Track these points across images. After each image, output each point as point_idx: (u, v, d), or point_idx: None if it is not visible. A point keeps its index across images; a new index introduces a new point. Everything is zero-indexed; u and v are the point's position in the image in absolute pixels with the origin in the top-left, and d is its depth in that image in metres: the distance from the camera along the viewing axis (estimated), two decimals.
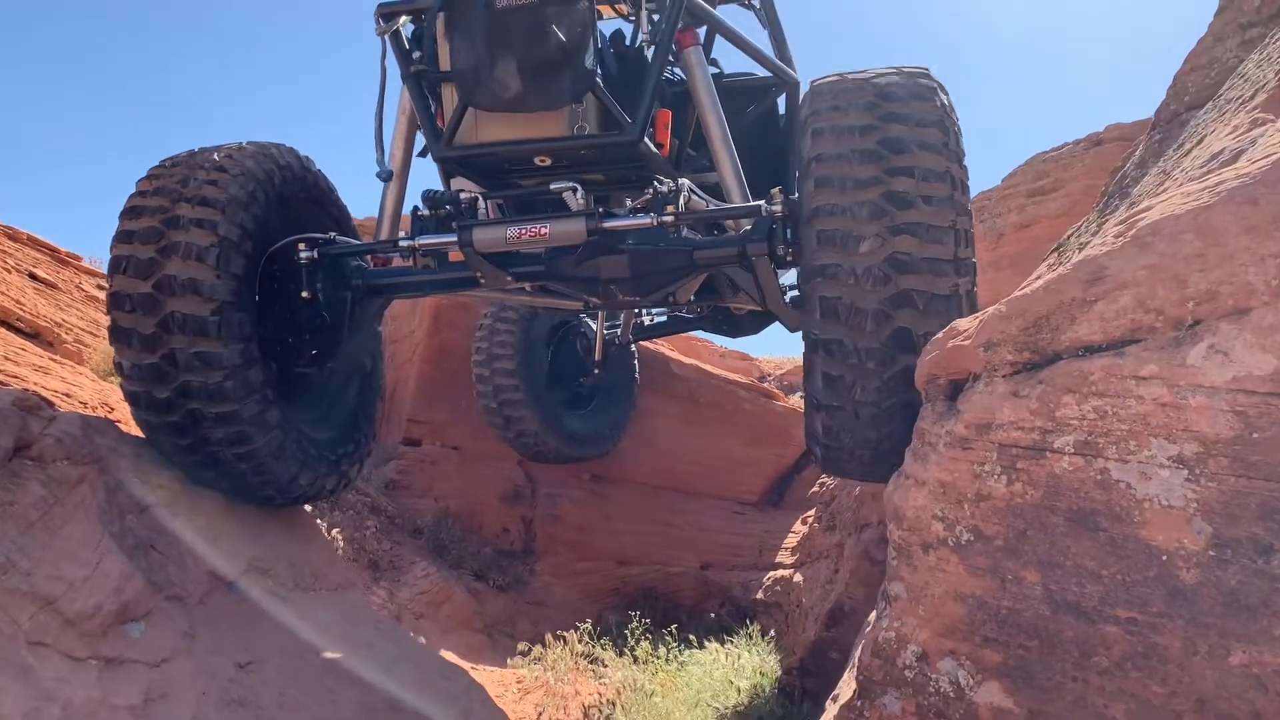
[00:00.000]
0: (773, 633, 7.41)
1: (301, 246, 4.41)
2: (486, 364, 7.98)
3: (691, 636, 7.44)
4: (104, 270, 14.25)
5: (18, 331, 7.05)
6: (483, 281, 4.54)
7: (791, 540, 8.79)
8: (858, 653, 4.27)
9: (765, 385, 10.77)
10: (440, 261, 4.54)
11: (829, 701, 4.20)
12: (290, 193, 4.50)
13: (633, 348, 9.15)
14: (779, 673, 6.22)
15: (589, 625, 7.21)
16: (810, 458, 10.12)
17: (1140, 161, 4.61)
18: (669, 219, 4.11)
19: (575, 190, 4.23)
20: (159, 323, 3.85)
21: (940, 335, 2.78)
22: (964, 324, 2.70)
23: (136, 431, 4.02)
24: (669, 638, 7.39)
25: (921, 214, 3.42)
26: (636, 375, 9.26)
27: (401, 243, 4.36)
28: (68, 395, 4.22)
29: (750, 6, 5.70)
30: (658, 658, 7.01)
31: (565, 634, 6.94)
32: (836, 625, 5.50)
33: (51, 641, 2.42)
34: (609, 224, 4.19)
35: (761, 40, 5.38)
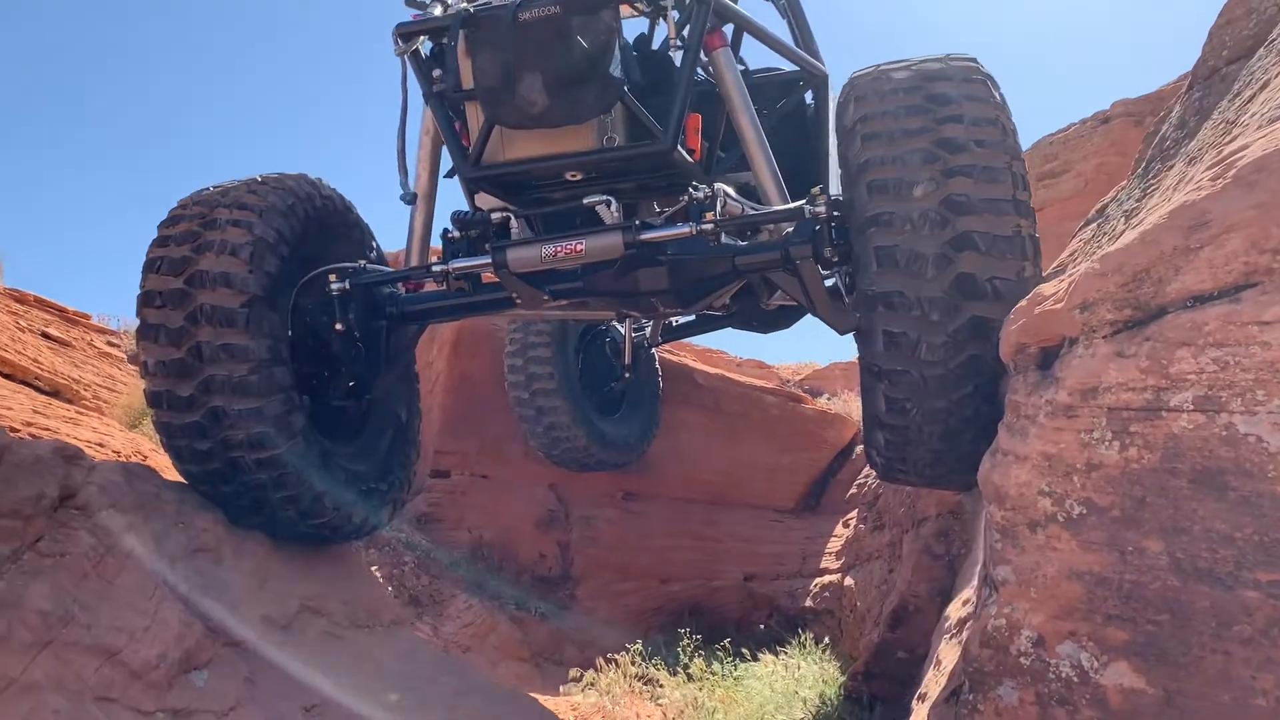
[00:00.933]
0: (827, 640, 7.25)
1: (333, 278, 4.31)
2: (520, 354, 7.80)
3: (745, 650, 7.27)
4: (113, 327, 14.18)
5: (37, 389, 6.96)
6: (519, 302, 4.41)
7: (835, 544, 8.65)
8: (939, 648, 4.12)
9: (789, 389, 10.62)
10: (474, 284, 4.43)
11: (915, 702, 4.05)
12: (328, 223, 4.45)
13: (653, 352, 9.01)
14: (842, 680, 6.05)
15: (639, 646, 7.06)
16: (846, 459, 9.99)
17: (1180, 122, 4.47)
18: (708, 227, 3.98)
19: (609, 203, 4.12)
20: (187, 316, 3.76)
21: (1024, 303, 2.65)
22: (1049, 288, 2.56)
23: (176, 477, 3.90)
24: (721, 653, 7.23)
25: (975, 156, 3.32)
26: (660, 378, 9.11)
27: (435, 268, 4.27)
28: (100, 445, 4.11)
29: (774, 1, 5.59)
30: (713, 674, 6.84)
31: (616, 657, 6.79)
32: (901, 625, 5.35)
33: (118, 696, 2.28)
34: (646, 236, 4.05)
35: (784, 34, 5.25)
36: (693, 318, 8.28)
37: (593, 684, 6.40)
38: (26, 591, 2.23)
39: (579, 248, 4.06)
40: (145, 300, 3.86)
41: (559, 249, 4.07)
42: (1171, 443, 2.14)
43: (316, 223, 4.34)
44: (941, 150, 3.33)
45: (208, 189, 4.24)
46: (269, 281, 3.95)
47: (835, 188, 4.84)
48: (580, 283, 4.32)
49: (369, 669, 3.72)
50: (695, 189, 4.05)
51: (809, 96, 5.42)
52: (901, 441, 3.62)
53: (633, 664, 6.79)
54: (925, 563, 5.20)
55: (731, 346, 17.10)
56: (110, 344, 12.61)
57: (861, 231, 3.41)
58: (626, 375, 8.52)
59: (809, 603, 8.28)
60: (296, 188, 4.25)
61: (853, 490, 8.90)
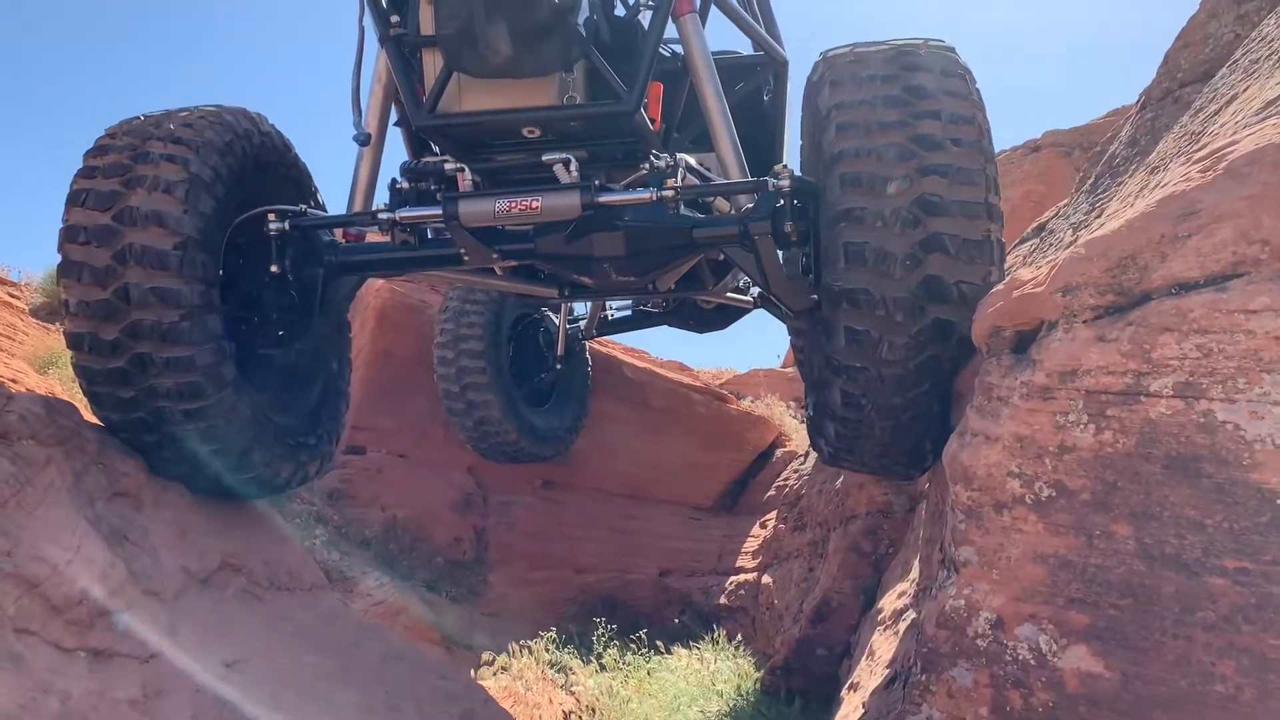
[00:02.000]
0: (740, 637, 7.26)
1: (271, 218, 4.07)
2: (451, 345, 7.58)
3: (659, 644, 7.23)
4: (12, 279, 13.51)
5: None
6: (466, 259, 4.23)
7: (752, 544, 8.68)
8: (872, 639, 4.13)
9: (716, 388, 10.64)
10: (420, 237, 4.24)
11: (845, 692, 4.06)
12: (266, 161, 4.19)
13: (585, 344, 8.90)
14: (757, 675, 6.05)
15: (552, 634, 6.97)
16: (766, 461, 10.04)
17: (1131, 141, 4.59)
18: (669, 194, 3.89)
19: (569, 163, 3.96)
20: (115, 255, 3.50)
21: (1000, 287, 2.65)
22: (1026, 273, 2.57)
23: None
24: (635, 645, 7.18)
25: (951, 156, 3.27)
26: (590, 370, 9.01)
27: (381, 215, 4.07)
28: (14, 381, 3.87)
29: None
30: (626, 665, 6.79)
31: (529, 643, 6.69)
32: (823, 621, 5.36)
33: (38, 629, 2.13)
34: (605, 198, 3.93)
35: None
36: (629, 312, 8.23)
37: (505, 669, 6.29)
38: None
39: (535, 204, 3.93)
40: (68, 235, 3.58)
41: (513, 204, 3.93)
42: (1148, 428, 2.15)
43: (254, 161, 4.09)
44: (918, 147, 3.29)
45: (138, 118, 3.95)
46: (203, 222, 3.70)
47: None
48: (532, 244, 4.17)
49: (289, 630, 3.58)
50: (656, 158, 3.97)
51: (769, 81, 5.41)
52: (852, 434, 3.62)
53: (545, 651, 6.70)
54: (852, 560, 5.22)
55: (653, 348, 17.04)
56: (11, 295, 12.03)
57: (831, 225, 3.36)
58: (558, 367, 8.40)
59: (724, 600, 8.29)
60: (235, 123, 3.99)
61: (772, 492, 8.95)
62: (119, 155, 3.70)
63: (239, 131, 3.99)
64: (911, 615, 3.62)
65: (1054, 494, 2.29)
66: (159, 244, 3.53)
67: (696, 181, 4.22)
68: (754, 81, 5.34)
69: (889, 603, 4.13)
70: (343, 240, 4.43)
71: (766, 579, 7.36)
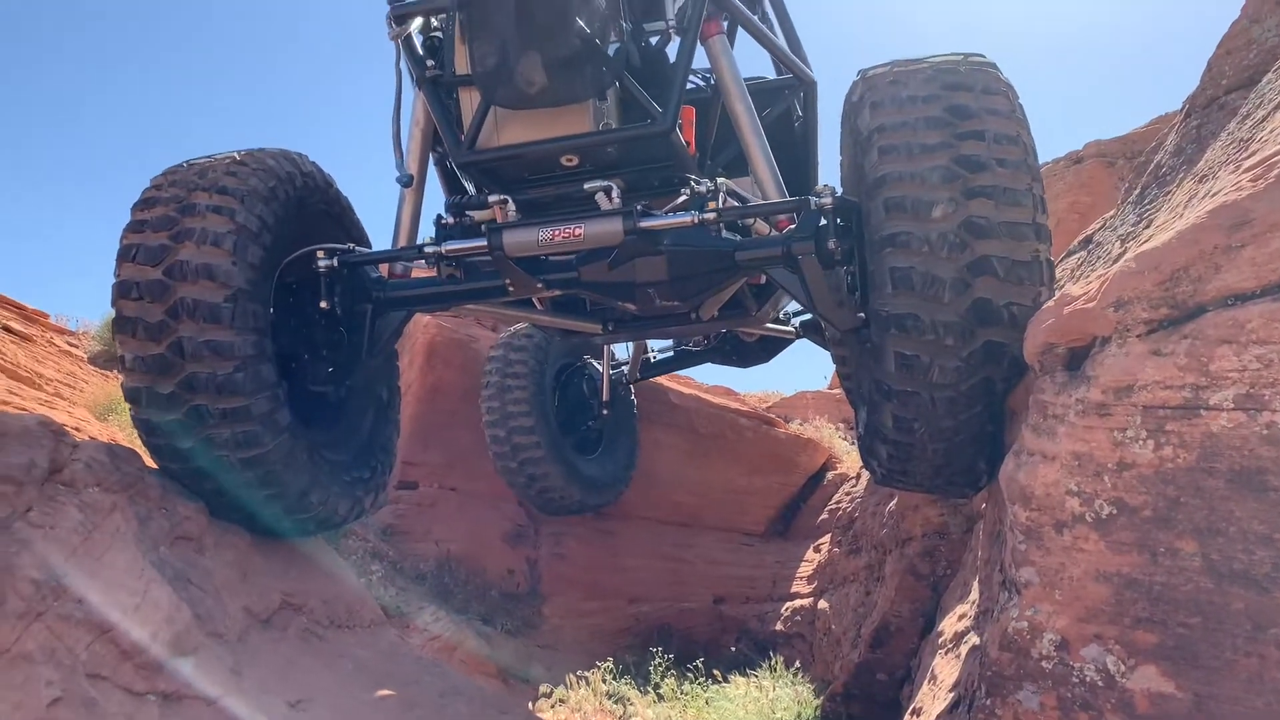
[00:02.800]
0: (798, 664, 7.18)
1: (320, 255, 4.16)
2: (497, 396, 7.61)
3: (715, 672, 7.17)
4: (71, 328, 13.88)
5: None
6: (511, 290, 4.27)
7: (806, 569, 8.59)
8: (934, 663, 4.08)
9: (763, 412, 10.59)
10: (465, 270, 4.29)
11: (908, 716, 4.00)
12: (309, 201, 4.27)
13: (630, 389, 8.91)
14: (817, 702, 5.98)
15: (608, 664, 6.95)
16: (818, 484, 9.97)
17: (1177, 150, 4.52)
18: (710, 216, 3.90)
19: (610, 190, 4.00)
20: (168, 310, 3.56)
21: (1050, 303, 2.63)
22: (1076, 289, 2.54)
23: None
24: (692, 674, 7.13)
25: (997, 176, 3.23)
26: (636, 414, 9.02)
27: (427, 248, 4.14)
28: (77, 429, 3.96)
29: (759, 7, 5.54)
30: (684, 695, 6.74)
31: (586, 674, 6.67)
32: (882, 646, 5.30)
33: (110, 674, 2.17)
34: (646, 223, 3.96)
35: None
36: (671, 353, 8.25)
37: (563, 700, 6.28)
38: (18, 559, 2.12)
39: (578, 231, 3.97)
40: (121, 291, 3.65)
41: (557, 233, 3.98)
42: (1209, 441, 2.12)
43: (298, 202, 4.18)
44: (962, 169, 3.26)
45: (183, 166, 4.03)
46: (253, 272, 3.78)
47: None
48: (575, 272, 4.18)
49: (350, 667, 3.61)
50: (696, 183, 3.98)
51: (796, 104, 5.43)
52: (905, 456, 3.58)
53: (603, 682, 6.68)
54: (909, 583, 5.16)
55: (699, 374, 17.05)
56: (70, 344, 12.33)
57: (877, 249, 3.34)
58: (604, 413, 8.41)
59: (780, 626, 8.22)
60: (277, 167, 4.07)
61: (824, 515, 8.87)
62: (166, 208, 3.78)
63: (281, 175, 4.07)
64: (973, 638, 3.57)
65: (1115, 511, 2.25)
66: (210, 297, 3.60)
67: (736, 204, 4.21)
68: (783, 105, 5.36)
69: (949, 625, 4.08)
70: (389, 277, 4.52)
71: (823, 604, 7.29)
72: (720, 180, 4.09)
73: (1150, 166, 4.79)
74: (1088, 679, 2.28)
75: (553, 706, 6.20)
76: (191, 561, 3.26)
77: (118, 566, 2.58)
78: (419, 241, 4.44)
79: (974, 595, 3.88)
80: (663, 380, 9.85)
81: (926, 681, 3.94)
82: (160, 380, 3.56)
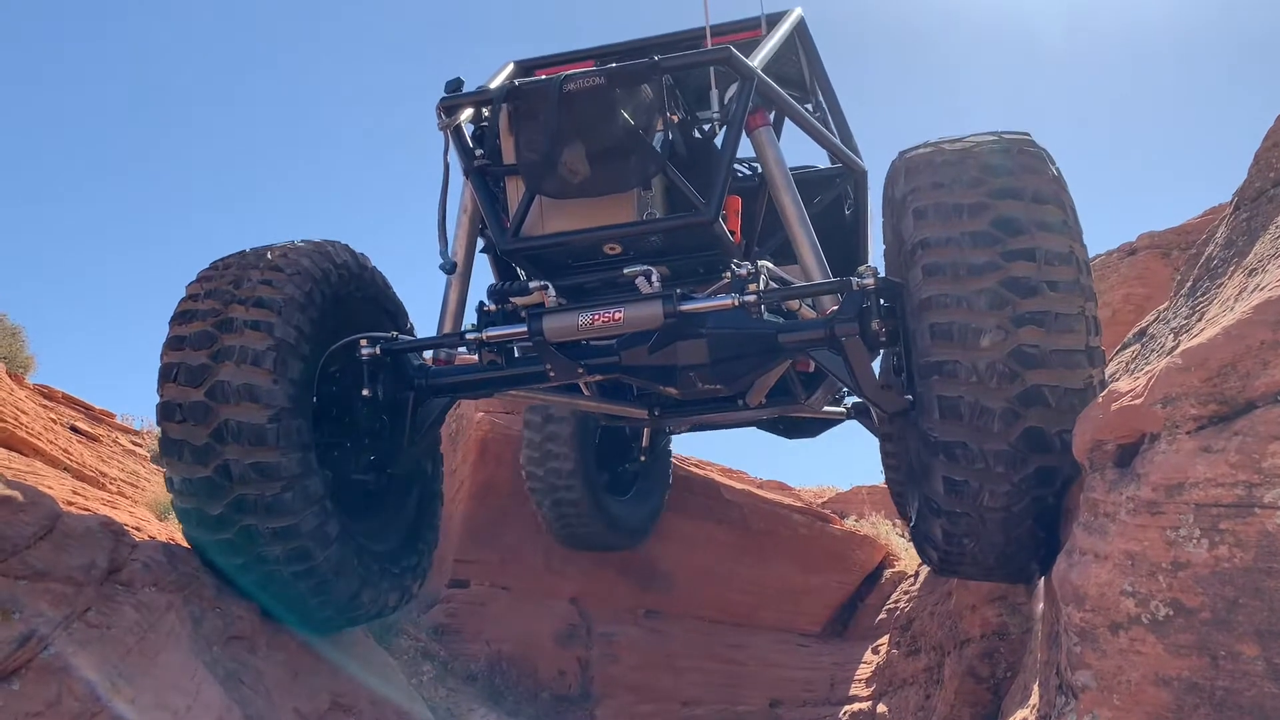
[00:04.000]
0: None
1: (363, 343, 4.21)
2: (540, 462, 7.52)
3: None
4: (135, 427, 14.20)
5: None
6: (551, 375, 4.28)
7: (864, 671, 8.37)
8: None
9: (817, 509, 10.45)
10: (507, 357, 4.35)
11: None
12: (347, 292, 4.32)
13: (670, 443, 8.84)
14: None
15: None
16: (875, 583, 9.78)
17: (1227, 242, 4.48)
18: (751, 299, 3.90)
19: (649, 274, 4.04)
20: (212, 433, 3.59)
21: (1099, 399, 2.61)
22: (1124, 385, 2.53)
23: None
24: None
25: (1048, 301, 3.12)
26: (672, 469, 8.93)
27: (469, 335, 4.22)
28: (137, 529, 4.05)
29: (811, 98, 5.64)
30: None
31: None
32: None
33: None
34: (687, 306, 3.99)
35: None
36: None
37: None
38: (75, 660, 2.16)
39: (617, 315, 4.00)
40: (165, 413, 3.71)
41: (597, 317, 4.02)
42: (1266, 540, 2.07)
43: (335, 298, 4.21)
44: (1012, 293, 3.14)
45: (218, 270, 4.05)
46: (294, 388, 3.82)
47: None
48: (616, 356, 4.19)
49: None
50: (737, 265, 3.98)
51: (849, 189, 5.49)
52: (955, 561, 3.58)
53: None
54: (969, 686, 5.01)
55: (752, 468, 16.87)
56: (134, 443, 12.63)
57: (924, 376, 3.27)
58: (642, 459, 8.33)
59: None
60: (312, 268, 4.08)
61: (882, 615, 8.67)
62: (203, 323, 3.80)
63: (317, 276, 4.10)
64: None
65: (1171, 613, 2.20)
66: (254, 419, 3.63)
67: (778, 286, 4.21)
68: (833, 193, 5.43)
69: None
70: (432, 364, 4.57)
71: (881, 707, 7.08)
72: (761, 263, 4.09)
73: (1201, 259, 4.76)
74: None
75: None
76: (244, 661, 3.29)
77: (171, 666, 2.62)
78: (463, 327, 4.49)
79: (1034, 699, 3.76)
80: (714, 475, 9.80)
81: None
82: (210, 503, 3.58)
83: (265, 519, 3.58)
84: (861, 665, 8.55)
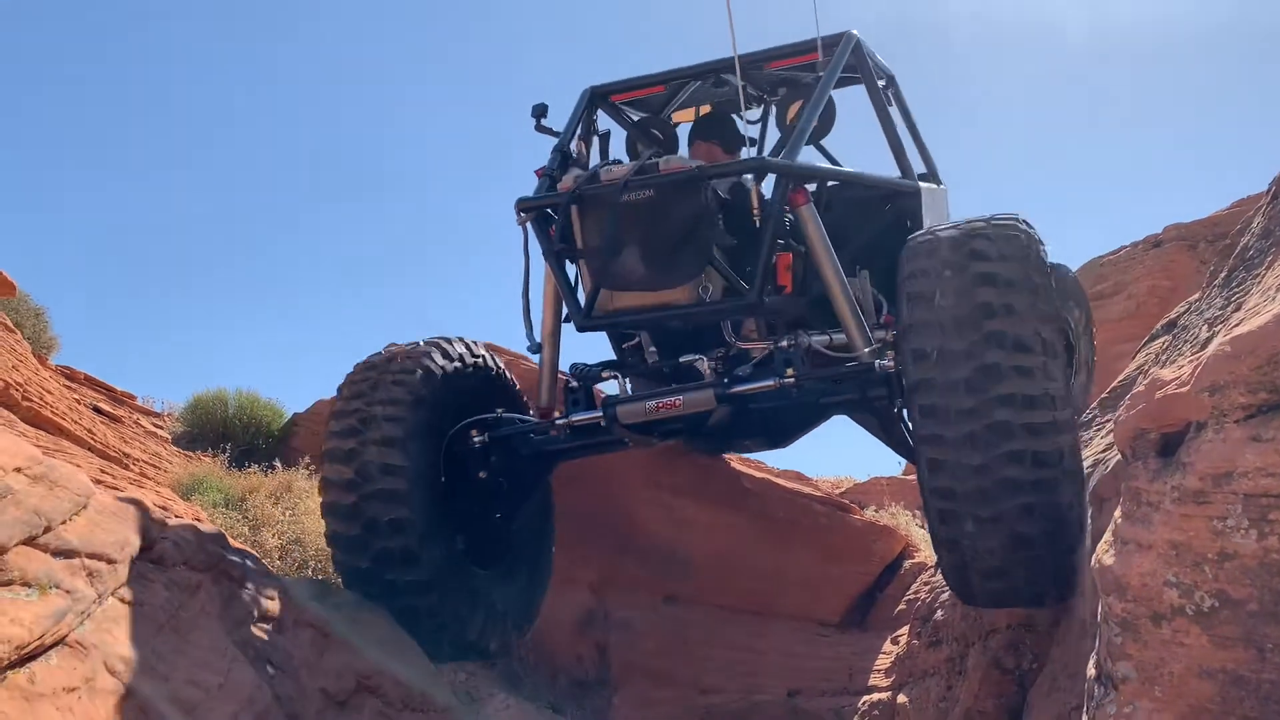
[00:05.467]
0: None
1: (474, 433, 4.95)
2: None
3: None
4: (156, 409, 14.24)
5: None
6: (630, 444, 5.03)
7: (884, 661, 8.33)
8: None
9: (838, 497, 10.40)
10: (593, 430, 4.97)
11: None
12: (464, 379, 5.05)
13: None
14: None
15: None
16: (894, 573, 9.75)
17: (1264, 232, 4.41)
18: (789, 380, 4.42)
19: (703, 360, 4.71)
20: (359, 498, 4.46)
21: (1142, 389, 2.57)
22: (1168, 373, 2.49)
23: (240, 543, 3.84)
24: None
25: (1015, 385, 3.50)
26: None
27: (558, 421, 4.94)
28: (164, 509, 4.06)
29: (883, 108, 5.67)
30: None
31: None
32: None
33: None
34: (736, 389, 4.52)
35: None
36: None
37: None
38: (110, 636, 2.16)
39: (677, 403, 4.59)
40: (325, 485, 4.65)
41: (660, 404, 4.61)
42: None
43: (454, 389, 4.95)
44: (984, 378, 3.56)
45: (361, 370, 4.85)
46: (423, 464, 4.62)
47: None
48: (681, 426, 4.85)
49: None
50: (777, 345, 4.55)
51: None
52: (966, 596, 4.38)
53: None
54: (994, 677, 4.97)
55: (768, 457, 16.85)
56: (156, 425, 12.68)
57: (918, 446, 3.77)
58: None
59: None
60: (434, 366, 4.81)
61: (902, 605, 8.63)
62: (351, 419, 4.65)
63: (437, 373, 4.82)
64: None
65: (1217, 604, 2.16)
66: (393, 486, 4.51)
67: (819, 347, 4.75)
68: (903, 201, 5.51)
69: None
70: (538, 413, 5.26)
71: (902, 698, 7.04)
72: (801, 338, 4.61)
73: (1236, 249, 4.69)
74: None
75: None
76: (272, 641, 3.29)
77: (203, 645, 2.62)
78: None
79: (1063, 692, 3.74)
80: (734, 463, 9.76)
81: None
82: (358, 556, 4.49)
83: (401, 571, 4.43)
84: (881, 655, 8.51)
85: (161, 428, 12.72)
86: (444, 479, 4.78)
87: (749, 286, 4.46)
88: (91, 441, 6.69)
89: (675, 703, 8.57)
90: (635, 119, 5.81)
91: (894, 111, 5.84)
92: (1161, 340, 5.46)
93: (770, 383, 4.47)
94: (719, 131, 5.37)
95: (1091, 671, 2.60)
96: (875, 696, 7.73)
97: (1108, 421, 5.15)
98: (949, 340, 3.58)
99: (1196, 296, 5.45)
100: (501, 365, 5.45)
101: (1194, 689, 2.18)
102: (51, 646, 1.95)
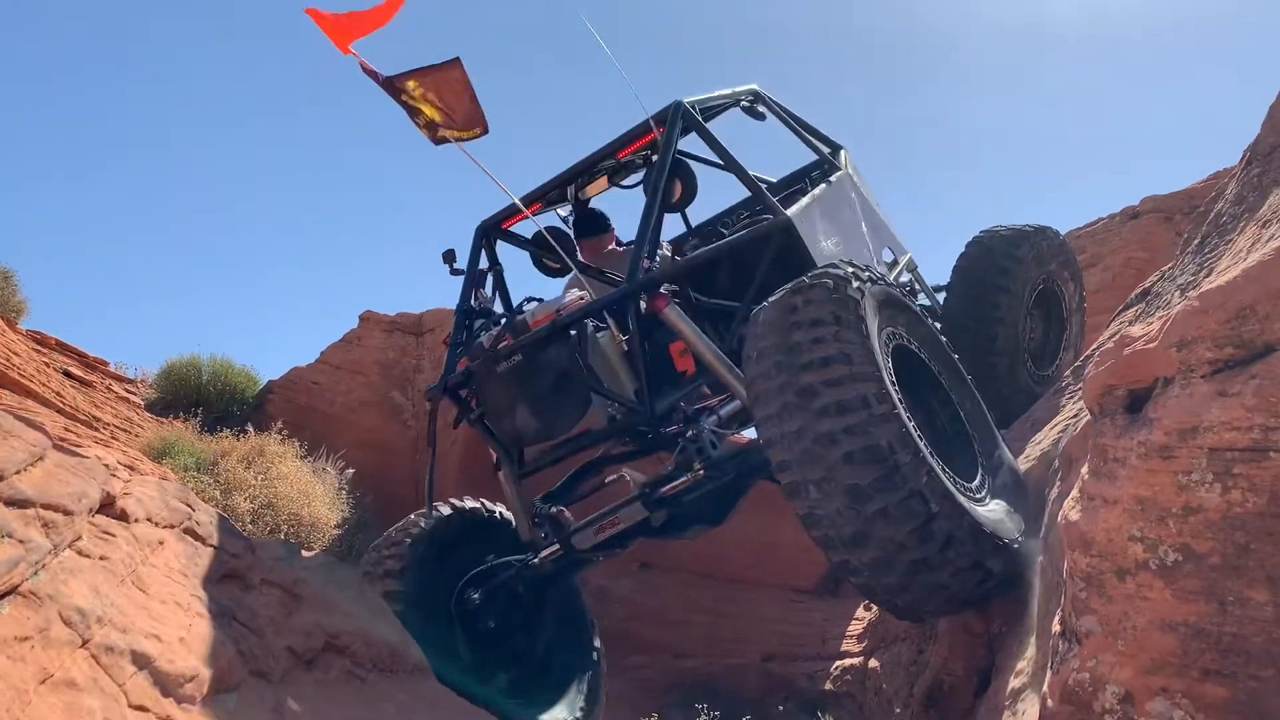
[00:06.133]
0: None
1: (470, 591, 5.31)
2: None
3: None
4: (129, 376, 14.10)
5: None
6: (599, 560, 5.43)
7: (856, 627, 8.41)
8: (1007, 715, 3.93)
9: None
10: (564, 551, 5.28)
11: None
12: (459, 530, 5.50)
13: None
14: None
15: (654, 719, 6.83)
16: None
17: (1238, 199, 4.44)
18: (700, 473, 4.68)
19: (626, 476, 5.04)
20: None
21: (1110, 345, 2.57)
22: (1137, 330, 2.48)
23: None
24: None
25: (836, 423, 3.66)
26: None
27: (531, 561, 5.29)
28: (131, 467, 4.01)
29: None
30: None
31: None
32: (935, 706, 5.12)
33: (151, 706, 2.16)
34: (659, 493, 4.83)
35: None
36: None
37: None
38: (65, 587, 2.13)
39: (616, 522, 4.98)
40: None
41: (604, 526, 5.02)
42: None
43: (449, 541, 5.39)
44: (801, 399, 3.75)
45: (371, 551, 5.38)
46: (431, 619, 5.00)
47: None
48: (633, 532, 5.13)
49: (392, 710, 3.57)
50: (680, 443, 4.77)
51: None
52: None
53: None
54: (963, 641, 5.00)
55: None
56: (129, 391, 12.58)
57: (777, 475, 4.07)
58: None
59: (829, 685, 8.01)
60: (421, 534, 5.28)
61: None
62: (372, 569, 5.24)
63: (427, 537, 5.28)
64: (1030, 695, 3.45)
65: (1180, 558, 2.17)
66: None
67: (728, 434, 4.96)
68: (782, 240, 5.52)
69: (1005, 684, 3.94)
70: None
71: (873, 663, 7.09)
72: (703, 431, 4.77)
73: (1210, 216, 4.71)
74: None
75: None
76: (237, 599, 3.26)
77: (165, 600, 2.59)
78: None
79: (1030, 651, 3.76)
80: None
81: None
82: None
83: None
84: (853, 622, 8.59)
85: (134, 393, 12.63)
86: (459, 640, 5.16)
87: (639, 402, 4.76)
88: (60, 404, 6.62)
89: (651, 667, 8.64)
90: (532, 236, 5.97)
91: (772, 119, 6.15)
92: (1135, 309, 5.48)
93: (685, 478, 4.73)
94: (597, 224, 5.81)
95: (1056, 628, 2.61)
96: (847, 661, 7.80)
97: (1079, 390, 5.17)
98: (772, 382, 3.83)
99: (1170, 265, 5.47)
100: (493, 514, 5.80)
101: (1156, 642, 2.19)
102: (3, 595, 1.91)
